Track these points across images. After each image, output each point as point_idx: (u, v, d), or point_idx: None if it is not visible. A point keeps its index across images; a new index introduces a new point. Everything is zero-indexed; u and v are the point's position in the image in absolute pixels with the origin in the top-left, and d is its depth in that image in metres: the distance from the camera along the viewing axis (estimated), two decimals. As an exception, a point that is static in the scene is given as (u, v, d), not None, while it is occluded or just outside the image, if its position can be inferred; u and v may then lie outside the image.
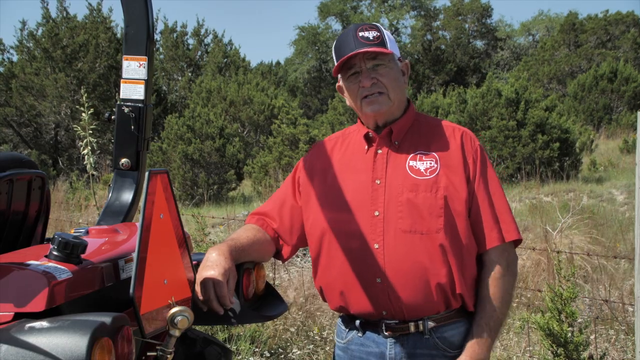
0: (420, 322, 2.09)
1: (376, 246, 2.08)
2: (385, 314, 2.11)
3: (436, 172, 2.10)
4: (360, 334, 2.18)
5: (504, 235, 2.11)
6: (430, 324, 2.09)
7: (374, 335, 2.15)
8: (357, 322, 2.18)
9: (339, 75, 2.21)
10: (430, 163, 2.12)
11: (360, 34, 2.11)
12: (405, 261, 2.06)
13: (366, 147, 2.20)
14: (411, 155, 2.14)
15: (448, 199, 2.07)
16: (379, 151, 2.17)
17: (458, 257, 2.07)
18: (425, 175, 2.10)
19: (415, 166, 2.12)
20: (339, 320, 2.31)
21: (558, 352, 3.50)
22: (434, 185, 2.08)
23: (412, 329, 2.10)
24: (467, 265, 2.10)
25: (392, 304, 2.08)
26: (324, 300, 2.28)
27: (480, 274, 2.13)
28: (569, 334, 3.48)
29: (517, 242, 2.18)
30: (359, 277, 2.10)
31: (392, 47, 2.13)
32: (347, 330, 2.23)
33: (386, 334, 2.12)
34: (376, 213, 2.10)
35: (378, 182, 2.13)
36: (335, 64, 2.15)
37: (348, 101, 2.23)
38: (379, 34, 2.12)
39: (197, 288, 2.00)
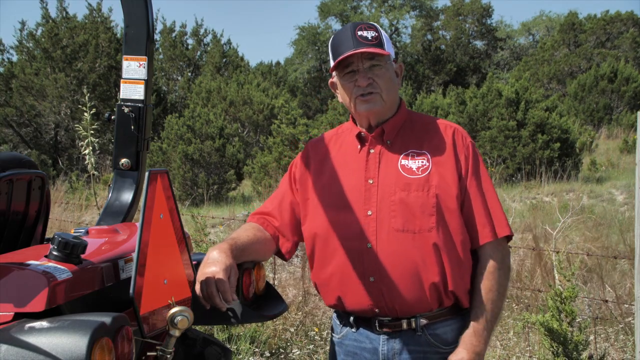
0: (413, 319, 2.12)
1: (369, 245, 2.10)
2: (378, 312, 2.13)
3: (428, 171, 2.12)
4: (354, 330, 2.20)
5: (497, 231, 2.13)
6: (423, 321, 2.12)
7: (367, 331, 2.18)
8: (351, 318, 2.20)
9: (334, 72, 2.21)
10: (422, 162, 2.13)
11: (359, 33, 2.11)
12: (398, 260, 2.08)
13: (359, 146, 2.21)
14: (403, 154, 2.15)
15: (440, 197, 2.09)
16: (372, 150, 2.18)
17: (451, 255, 2.09)
18: (417, 174, 2.11)
19: (407, 165, 2.13)
20: (334, 316, 2.33)
21: (558, 351, 3.50)
22: (425, 184, 2.10)
23: (405, 326, 2.12)
24: (461, 262, 2.11)
25: (385, 301, 2.10)
26: (320, 295, 2.30)
27: (475, 269, 2.15)
28: (569, 334, 3.49)
29: (509, 238, 2.20)
30: (352, 276, 2.12)
31: (388, 48, 2.15)
32: (341, 325, 2.26)
33: (379, 330, 2.15)
34: (369, 212, 2.12)
35: (371, 181, 2.14)
36: (332, 60, 2.16)
37: (340, 98, 2.24)
38: (377, 34, 2.13)
39: (199, 285, 2.00)
